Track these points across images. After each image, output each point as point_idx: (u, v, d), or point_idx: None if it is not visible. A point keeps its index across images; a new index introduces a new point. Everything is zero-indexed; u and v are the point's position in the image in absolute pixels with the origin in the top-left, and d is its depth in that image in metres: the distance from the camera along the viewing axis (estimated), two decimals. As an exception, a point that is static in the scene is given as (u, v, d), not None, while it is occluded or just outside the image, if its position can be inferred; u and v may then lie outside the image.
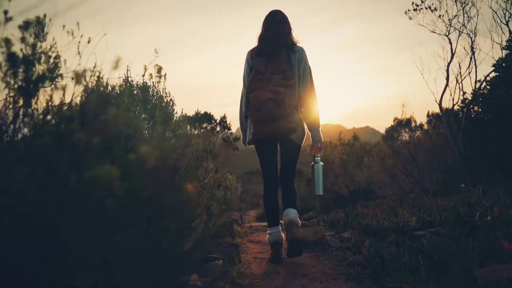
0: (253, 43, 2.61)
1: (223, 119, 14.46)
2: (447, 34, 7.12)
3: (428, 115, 7.79)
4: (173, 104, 2.70)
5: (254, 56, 2.52)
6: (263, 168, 2.61)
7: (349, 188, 5.28)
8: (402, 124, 6.36)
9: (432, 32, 7.47)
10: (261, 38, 2.58)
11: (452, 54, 6.89)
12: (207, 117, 14.18)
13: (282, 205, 2.51)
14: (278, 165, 2.60)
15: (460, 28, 6.87)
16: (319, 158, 2.53)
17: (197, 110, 13.96)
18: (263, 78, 2.39)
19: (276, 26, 2.56)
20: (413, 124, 6.40)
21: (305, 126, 2.57)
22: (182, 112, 2.77)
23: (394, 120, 7.30)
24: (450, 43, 6.95)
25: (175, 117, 2.69)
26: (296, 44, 2.58)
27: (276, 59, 2.44)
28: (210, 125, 14.29)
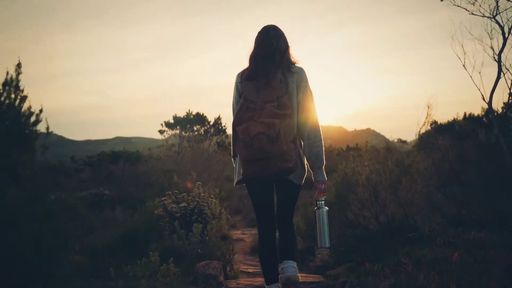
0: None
1: (217, 121, 12.89)
2: (493, 15, 5.63)
3: (465, 118, 6.26)
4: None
5: (243, 80, 2.19)
6: (256, 210, 2.27)
7: (379, 220, 3.75)
8: (442, 128, 4.88)
9: (472, 14, 5.98)
10: (253, 57, 2.24)
11: (505, 40, 5.40)
12: (199, 118, 12.68)
13: (278, 254, 2.22)
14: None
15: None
16: (323, 202, 2.18)
17: (189, 111, 12.50)
18: (254, 107, 2.08)
19: (270, 43, 2.22)
20: (456, 128, 4.89)
21: (306, 163, 2.23)
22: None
23: (429, 124, 5.71)
24: (501, 26, 5.45)
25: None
26: (294, 64, 2.24)
27: (270, 83, 2.11)
28: (203, 128, 12.80)
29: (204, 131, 12.75)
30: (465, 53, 5.67)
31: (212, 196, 4.46)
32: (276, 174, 2.04)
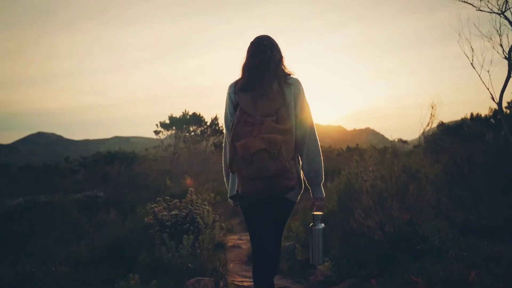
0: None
1: (214, 121, 12.57)
2: (501, 11, 5.35)
3: (472, 118, 5.97)
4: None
5: (238, 91, 2.04)
6: (253, 228, 2.13)
7: (385, 230, 3.47)
8: (450, 129, 4.57)
9: (479, 10, 5.70)
10: (246, 67, 2.11)
11: (516, 36, 5.11)
12: (196, 118, 12.35)
13: None
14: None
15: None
16: (319, 219, 2.06)
17: (185, 111, 12.17)
18: (253, 122, 1.92)
19: (264, 52, 2.08)
20: (465, 129, 4.59)
21: (302, 179, 2.13)
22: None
23: (435, 125, 5.41)
24: (511, 23, 5.17)
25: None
26: (290, 75, 2.11)
27: (266, 94, 1.96)
28: (200, 128, 12.48)
29: (201, 131, 12.45)
30: (473, 51, 5.39)
31: (205, 203, 4.16)
32: (277, 192, 1.93)
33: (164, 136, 12.48)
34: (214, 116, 12.28)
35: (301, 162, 2.10)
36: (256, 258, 2.13)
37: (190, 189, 4.23)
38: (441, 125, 4.88)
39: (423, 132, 7.39)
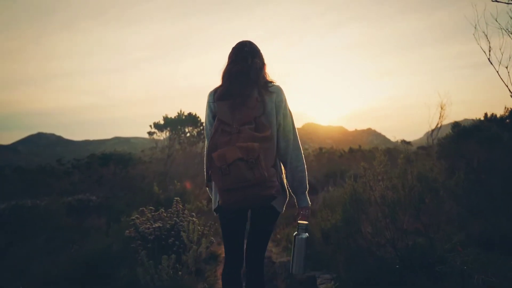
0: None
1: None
2: (519, 2, 4.88)
3: (487, 118, 5.50)
4: None
5: (216, 100, 2.01)
6: (226, 241, 2.11)
7: (397, 247, 3.00)
8: (467, 131, 4.12)
9: (496, 1, 5.24)
10: (226, 74, 2.07)
11: (538, 28, 4.65)
12: (192, 119, 11.89)
13: None
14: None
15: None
16: (304, 228, 2.03)
17: (180, 111, 11.70)
18: (230, 131, 1.89)
19: (245, 58, 2.05)
20: (484, 131, 4.13)
21: (287, 187, 2.09)
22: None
23: (442, 125, 4.95)
24: (531, 13, 4.70)
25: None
26: (272, 82, 2.08)
27: (245, 102, 1.93)
28: (196, 129, 12.01)
29: (197, 132, 11.98)
30: (489, 44, 4.93)
31: (193, 214, 3.70)
32: (258, 203, 1.87)
33: (159, 137, 12.03)
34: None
35: (284, 171, 2.08)
36: (225, 273, 2.10)
37: (176, 198, 3.76)
38: (456, 126, 4.44)
39: (431, 134, 6.91)
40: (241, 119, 1.90)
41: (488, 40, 4.88)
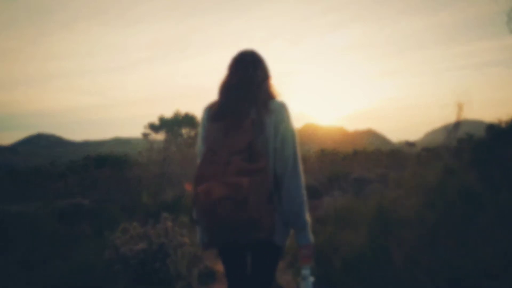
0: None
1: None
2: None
3: (515, 120, 4.89)
4: None
5: (208, 121, 1.80)
6: (227, 273, 1.88)
7: (437, 282, 2.40)
8: (502, 133, 3.53)
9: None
10: (223, 88, 1.86)
11: None
12: (189, 120, 11.33)
13: None
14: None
15: None
16: (308, 272, 1.74)
17: (177, 111, 11.13)
18: (218, 161, 1.63)
19: (245, 70, 1.84)
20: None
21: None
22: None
23: (459, 127, 4.35)
24: None
25: None
26: (273, 98, 1.82)
27: (240, 125, 1.68)
28: (193, 131, 11.44)
29: (195, 134, 11.42)
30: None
31: (184, 232, 3.11)
32: (247, 244, 1.71)
33: (154, 139, 11.48)
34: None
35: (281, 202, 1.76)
36: None
37: (164, 214, 3.18)
38: (491, 128, 3.86)
39: (448, 135, 6.33)
40: (232, 147, 1.64)
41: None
